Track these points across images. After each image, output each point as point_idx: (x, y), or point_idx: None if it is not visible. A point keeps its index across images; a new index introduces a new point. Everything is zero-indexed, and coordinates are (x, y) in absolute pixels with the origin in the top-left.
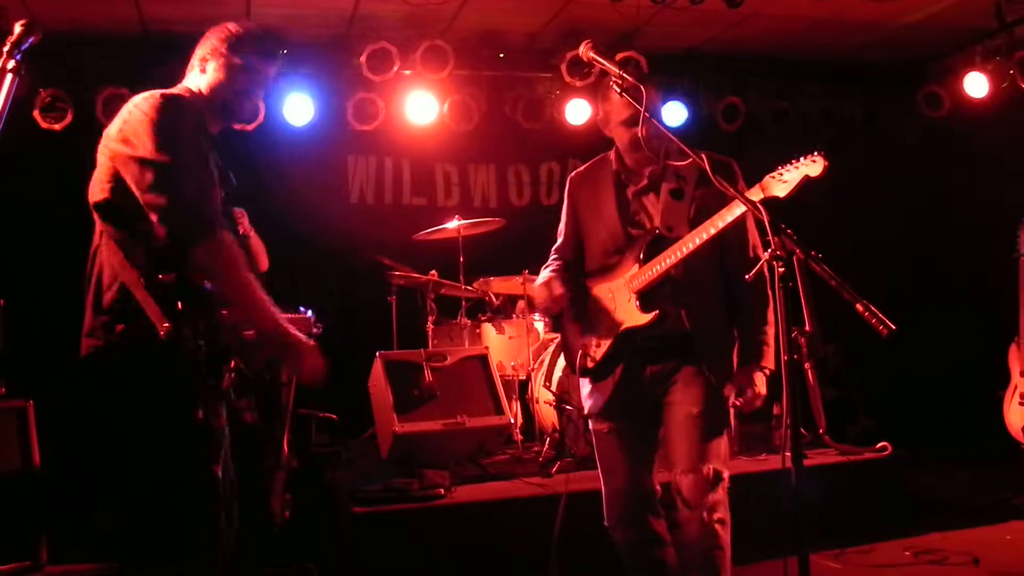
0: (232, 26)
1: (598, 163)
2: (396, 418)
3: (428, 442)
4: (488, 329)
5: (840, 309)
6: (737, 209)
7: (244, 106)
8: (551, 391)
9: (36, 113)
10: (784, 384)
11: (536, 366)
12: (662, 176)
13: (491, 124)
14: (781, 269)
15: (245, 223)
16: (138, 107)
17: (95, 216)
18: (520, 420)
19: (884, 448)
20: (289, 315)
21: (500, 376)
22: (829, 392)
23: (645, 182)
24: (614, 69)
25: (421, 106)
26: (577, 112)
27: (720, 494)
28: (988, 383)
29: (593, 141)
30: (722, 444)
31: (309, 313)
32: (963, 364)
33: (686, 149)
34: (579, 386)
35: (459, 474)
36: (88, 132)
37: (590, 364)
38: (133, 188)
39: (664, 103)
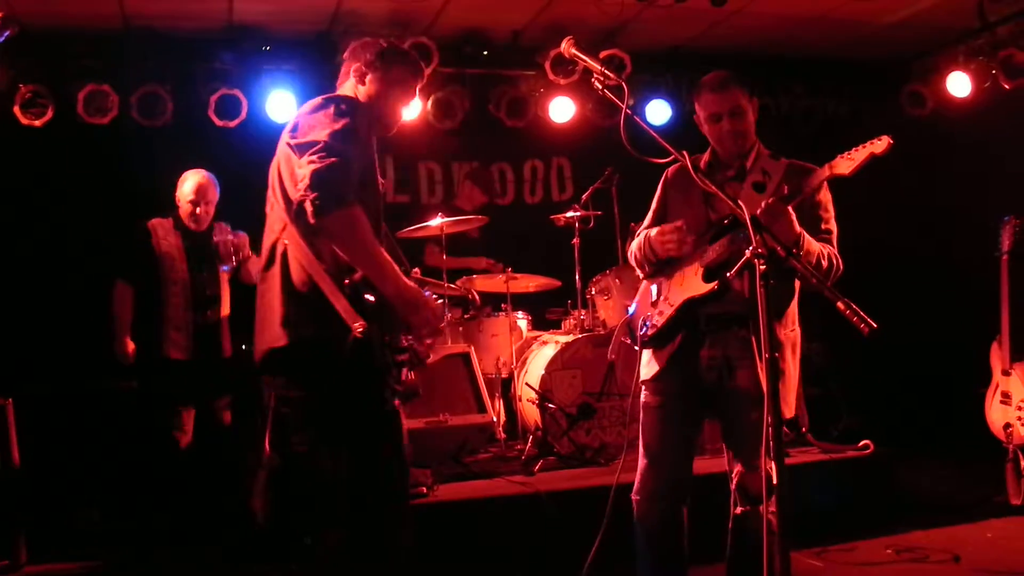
0: (384, 42)
1: (695, 159)
2: None
3: (410, 440)
4: (471, 327)
5: (822, 307)
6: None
7: (397, 116)
8: (534, 389)
9: (16, 109)
10: (765, 383)
11: (519, 364)
12: (750, 170)
13: (475, 122)
14: (763, 267)
15: (246, 248)
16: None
17: (285, 215)
18: (503, 418)
19: (866, 447)
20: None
21: (483, 374)
22: (811, 391)
23: (732, 172)
24: (596, 66)
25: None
26: (561, 110)
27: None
28: (970, 381)
29: (577, 139)
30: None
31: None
32: (945, 362)
33: (668, 147)
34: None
35: (441, 472)
36: (69, 128)
37: (651, 332)
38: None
39: (648, 102)
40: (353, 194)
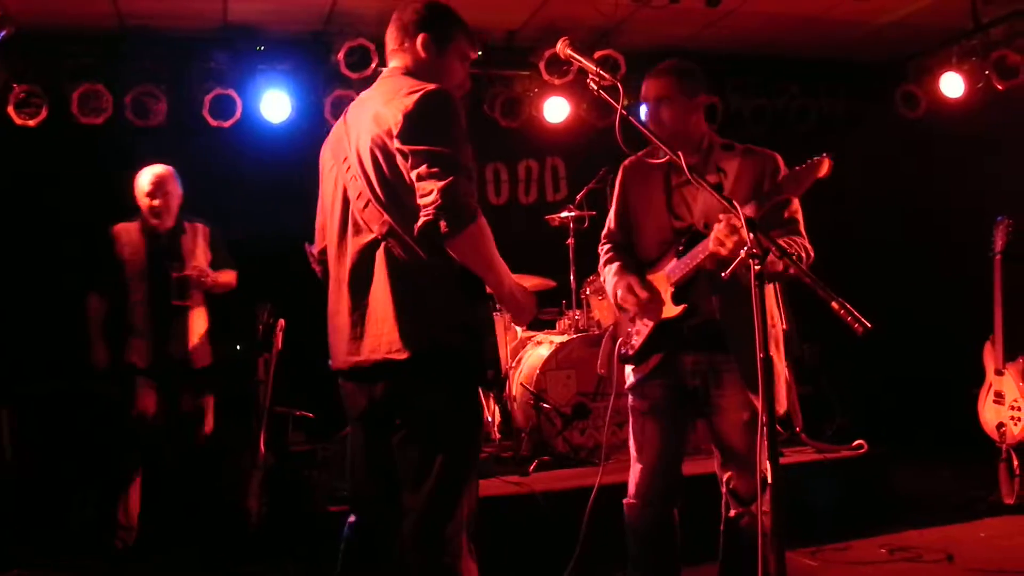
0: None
1: (651, 151)
2: None
3: None
4: None
5: (816, 307)
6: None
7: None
8: (528, 389)
9: (11, 109)
10: (760, 382)
11: (514, 364)
12: (704, 169)
13: (469, 121)
14: (757, 267)
15: (207, 278)
16: None
17: (392, 220)
18: (498, 418)
19: (860, 446)
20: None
21: None
22: (805, 390)
23: (685, 176)
24: (592, 67)
25: None
26: (555, 110)
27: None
28: (963, 381)
29: (571, 139)
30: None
31: None
32: (938, 362)
33: (662, 146)
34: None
35: None
36: (63, 128)
37: (630, 352)
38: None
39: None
40: (475, 204)
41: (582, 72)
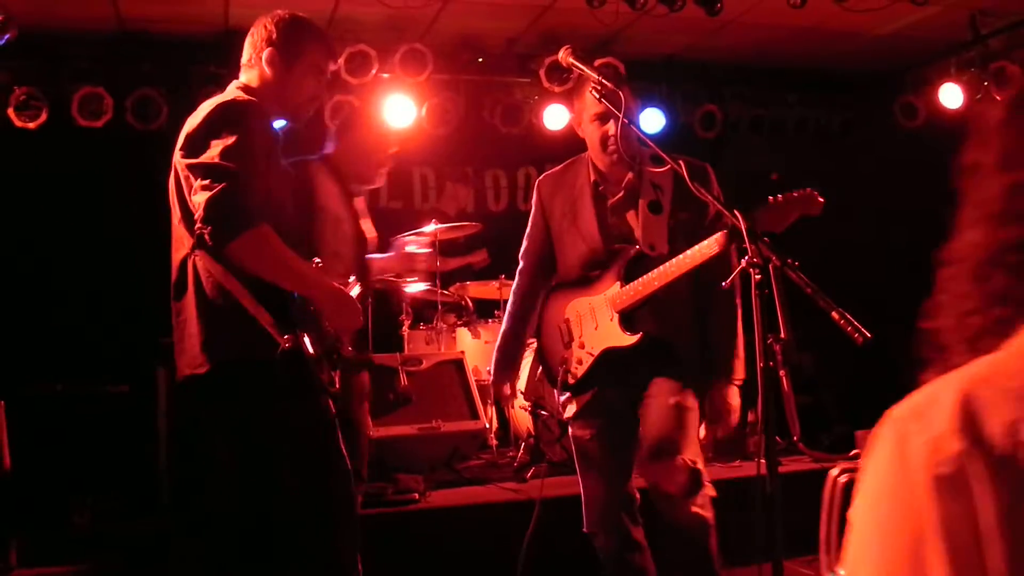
0: (285, 13)
1: (571, 168)
2: (370, 422)
3: (402, 446)
4: (463, 333)
5: (813, 317)
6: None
7: (305, 103)
8: (525, 396)
9: (11, 111)
10: (760, 391)
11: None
12: (639, 186)
13: (469, 128)
14: (757, 276)
15: None
16: None
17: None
18: (495, 425)
19: (858, 455)
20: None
21: (476, 381)
22: (802, 399)
23: (623, 194)
24: (593, 75)
25: (399, 109)
26: (555, 117)
27: (703, 487)
28: None
29: (571, 147)
30: (695, 440)
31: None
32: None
33: (664, 156)
34: (552, 392)
35: (433, 479)
36: (63, 131)
37: (571, 381)
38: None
39: (643, 110)
40: (255, 213)
41: (583, 80)
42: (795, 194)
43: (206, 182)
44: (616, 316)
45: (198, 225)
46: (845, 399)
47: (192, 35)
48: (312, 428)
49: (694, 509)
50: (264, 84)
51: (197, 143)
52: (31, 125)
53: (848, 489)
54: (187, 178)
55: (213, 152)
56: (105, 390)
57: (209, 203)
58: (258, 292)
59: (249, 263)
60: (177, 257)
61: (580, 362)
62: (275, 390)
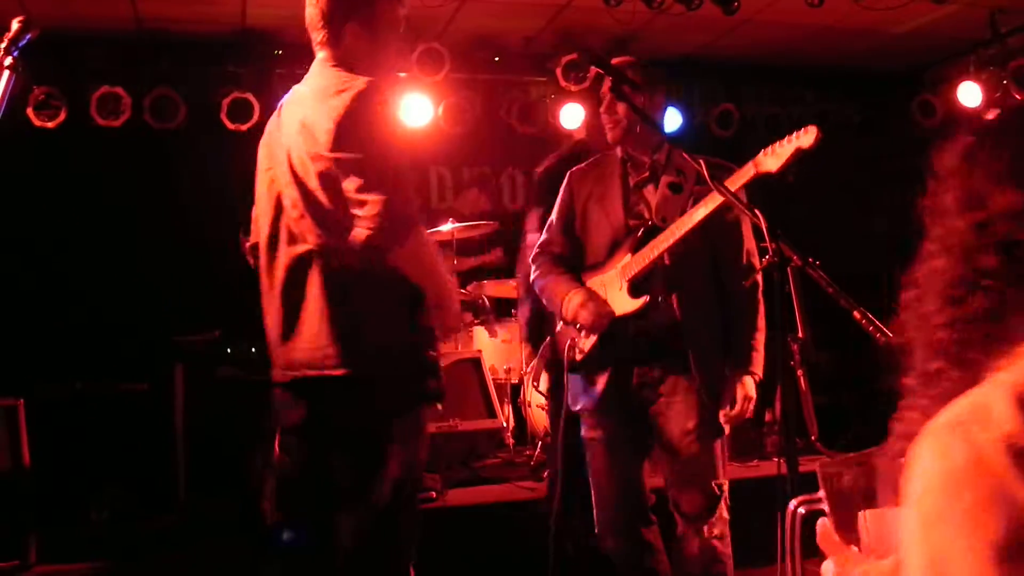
0: None
1: (602, 158)
2: None
3: None
4: (480, 332)
5: (832, 316)
6: (719, 197)
7: (395, 65)
8: (543, 394)
9: (30, 111)
10: (778, 390)
11: (528, 370)
12: (663, 168)
13: (486, 127)
14: (777, 275)
15: None
16: None
17: (327, 231)
18: (512, 424)
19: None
20: None
21: (492, 379)
22: (821, 399)
23: (646, 173)
24: (614, 74)
25: (416, 108)
26: (572, 116)
27: (719, 510)
28: None
29: (587, 145)
30: (717, 456)
31: None
32: None
33: (684, 155)
34: (565, 384)
35: (451, 477)
36: (81, 130)
37: (578, 356)
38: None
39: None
40: (417, 213)
41: (599, 78)
42: (796, 134)
43: (369, 182)
44: (625, 285)
45: (368, 228)
46: (864, 399)
47: (210, 35)
48: (419, 443)
49: (710, 539)
50: (349, 58)
51: (345, 137)
52: (50, 125)
53: (809, 522)
54: (326, 173)
55: (371, 147)
56: (123, 388)
57: (380, 205)
58: (389, 300)
59: (412, 262)
60: (293, 252)
61: (587, 337)
62: (403, 400)
